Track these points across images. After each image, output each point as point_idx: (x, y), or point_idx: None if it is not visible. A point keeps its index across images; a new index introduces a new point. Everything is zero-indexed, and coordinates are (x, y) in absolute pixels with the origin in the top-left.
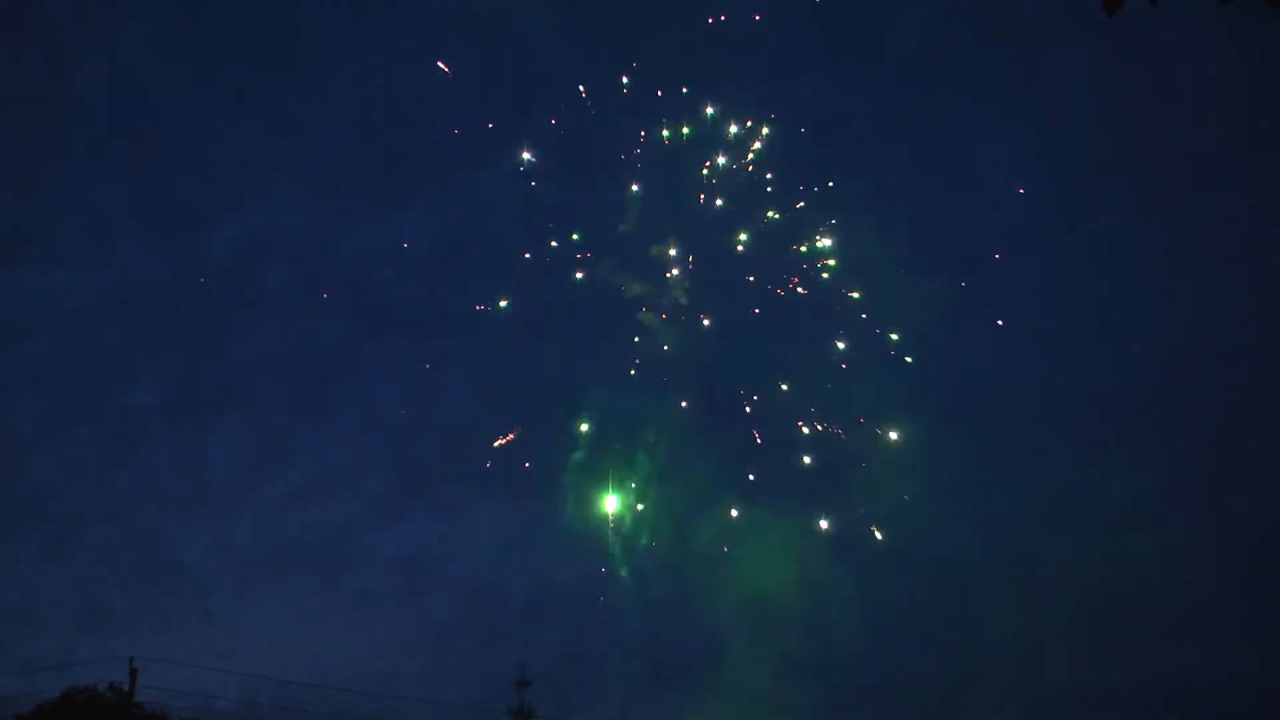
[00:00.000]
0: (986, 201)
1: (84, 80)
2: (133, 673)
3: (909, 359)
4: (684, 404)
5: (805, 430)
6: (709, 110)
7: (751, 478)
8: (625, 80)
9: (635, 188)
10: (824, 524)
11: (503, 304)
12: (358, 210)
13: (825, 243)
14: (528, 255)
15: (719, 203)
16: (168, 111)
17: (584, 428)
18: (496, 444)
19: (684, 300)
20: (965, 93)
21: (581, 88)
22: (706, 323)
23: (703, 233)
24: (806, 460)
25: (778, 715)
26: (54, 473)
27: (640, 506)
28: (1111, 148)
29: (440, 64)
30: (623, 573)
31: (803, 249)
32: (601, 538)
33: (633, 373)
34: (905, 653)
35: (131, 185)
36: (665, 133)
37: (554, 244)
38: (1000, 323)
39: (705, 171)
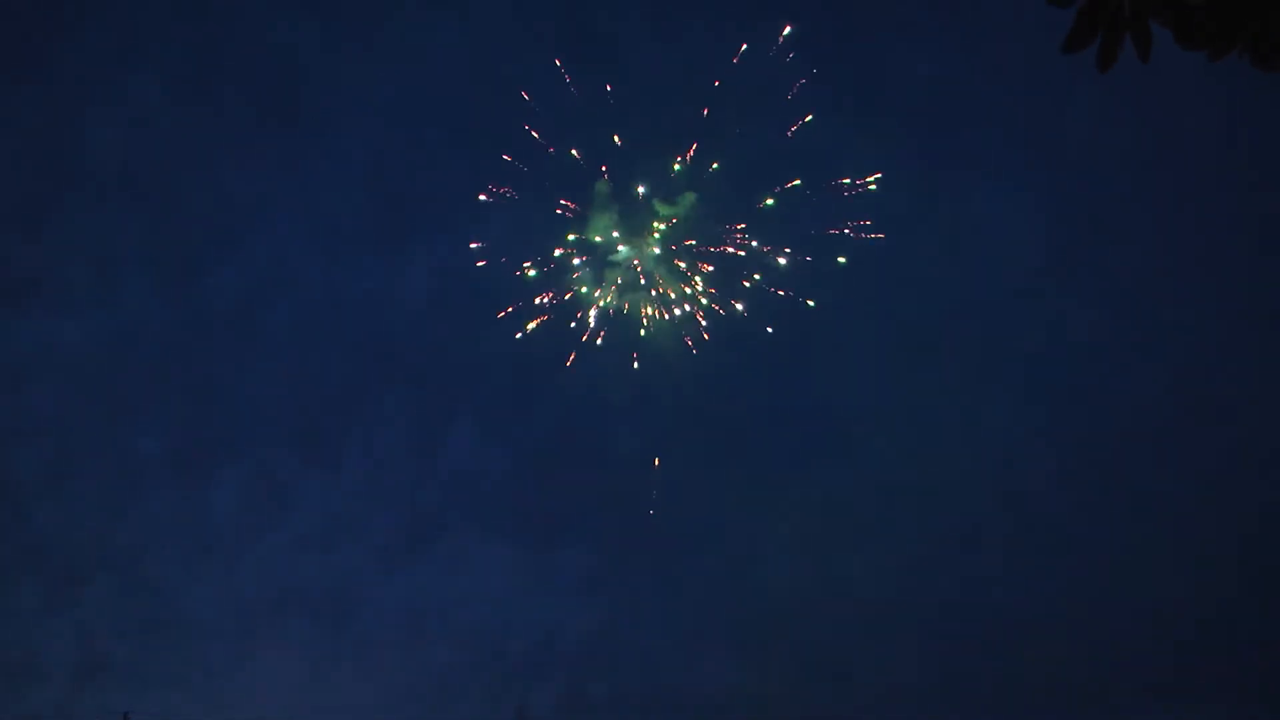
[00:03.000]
0: (988, 243)
1: (91, 125)
2: None
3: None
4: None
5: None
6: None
7: None
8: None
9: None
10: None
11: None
12: (364, 256)
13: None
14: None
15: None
16: (174, 157)
17: None
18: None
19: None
20: (968, 137)
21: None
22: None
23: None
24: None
25: None
26: (55, 522)
27: None
28: (1112, 192)
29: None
30: None
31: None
32: None
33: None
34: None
35: (137, 230)
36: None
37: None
38: (1002, 364)
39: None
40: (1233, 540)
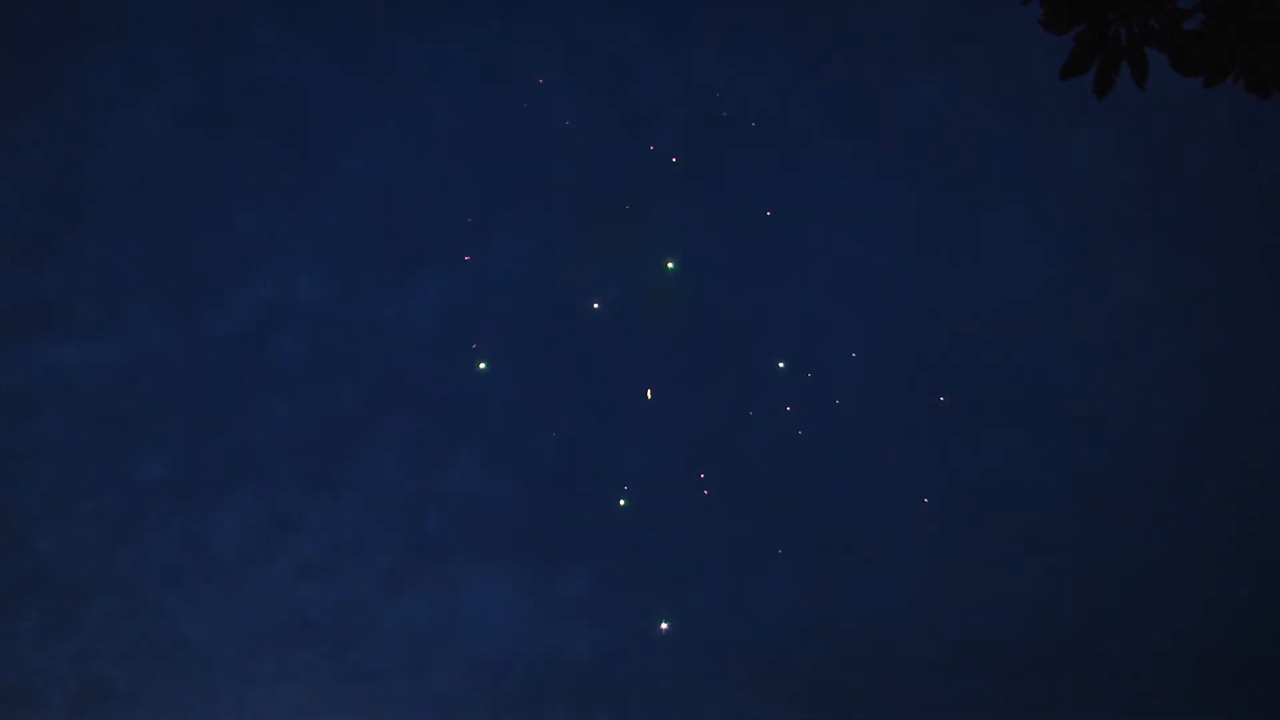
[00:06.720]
0: (993, 274)
1: (100, 153)
2: None
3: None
4: None
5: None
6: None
7: None
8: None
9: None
10: None
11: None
12: (371, 284)
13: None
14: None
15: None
16: (183, 185)
17: None
18: None
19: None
20: (972, 167)
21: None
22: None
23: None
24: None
25: None
26: (57, 548)
27: None
28: (1117, 221)
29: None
30: None
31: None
32: None
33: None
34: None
35: (145, 258)
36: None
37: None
38: (1006, 389)
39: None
40: (1244, 561)
